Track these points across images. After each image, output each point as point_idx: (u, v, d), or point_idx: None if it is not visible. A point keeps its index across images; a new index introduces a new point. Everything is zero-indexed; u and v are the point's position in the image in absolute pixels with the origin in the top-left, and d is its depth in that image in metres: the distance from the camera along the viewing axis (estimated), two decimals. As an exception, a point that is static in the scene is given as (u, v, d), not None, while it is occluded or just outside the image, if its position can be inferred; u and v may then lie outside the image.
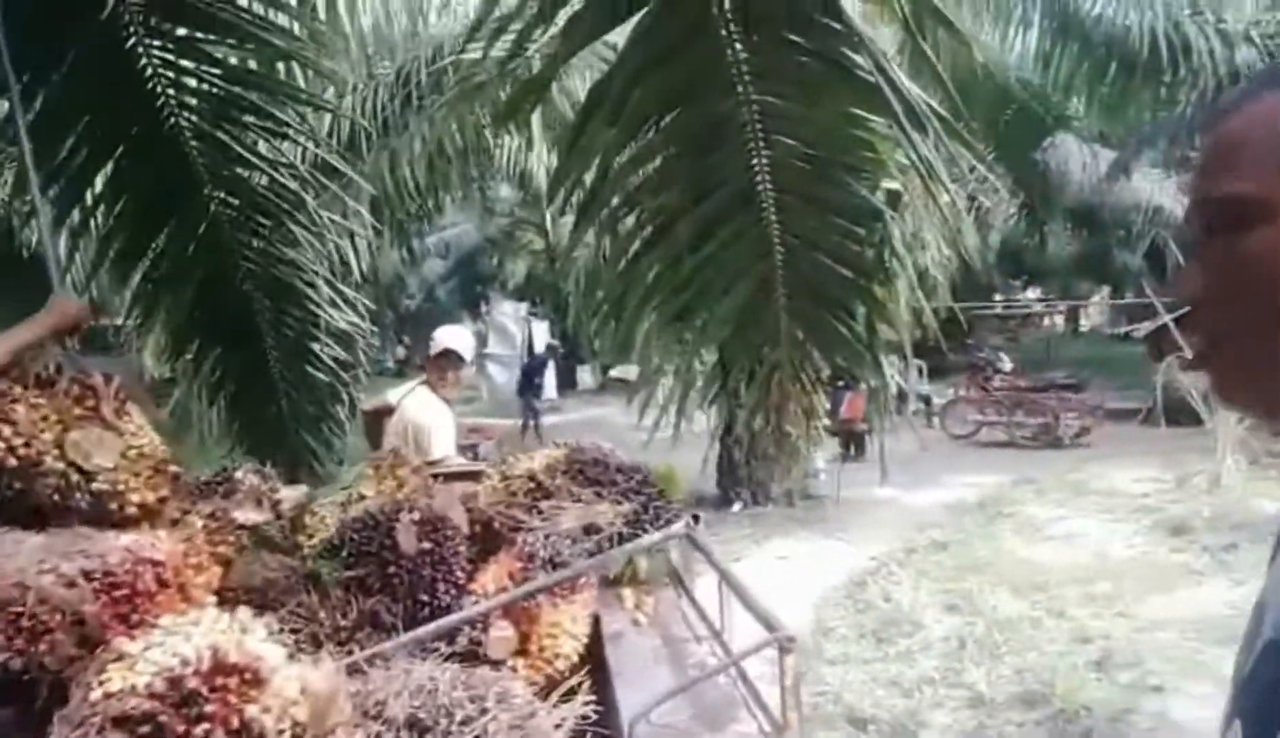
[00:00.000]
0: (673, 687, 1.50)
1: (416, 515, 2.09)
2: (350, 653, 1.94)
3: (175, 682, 1.33)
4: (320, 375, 3.92)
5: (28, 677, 1.58)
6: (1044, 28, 8.40)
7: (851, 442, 10.15)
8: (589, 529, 2.15)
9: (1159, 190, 12.84)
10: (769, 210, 2.51)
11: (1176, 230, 12.66)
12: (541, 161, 11.10)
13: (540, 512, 2.14)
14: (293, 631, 1.96)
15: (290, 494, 2.36)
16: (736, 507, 9.60)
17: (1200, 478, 8.40)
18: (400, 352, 25.16)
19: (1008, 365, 14.25)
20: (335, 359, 3.90)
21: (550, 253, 19.42)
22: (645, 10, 2.30)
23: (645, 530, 2.23)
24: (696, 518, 1.86)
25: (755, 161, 2.44)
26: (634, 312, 2.60)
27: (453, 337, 4.55)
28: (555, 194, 2.46)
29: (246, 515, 2.20)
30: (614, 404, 15.33)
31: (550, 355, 18.41)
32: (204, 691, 1.29)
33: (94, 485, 1.94)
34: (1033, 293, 24.46)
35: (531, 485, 2.21)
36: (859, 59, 2.09)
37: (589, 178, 2.56)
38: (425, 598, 2.05)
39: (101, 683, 1.34)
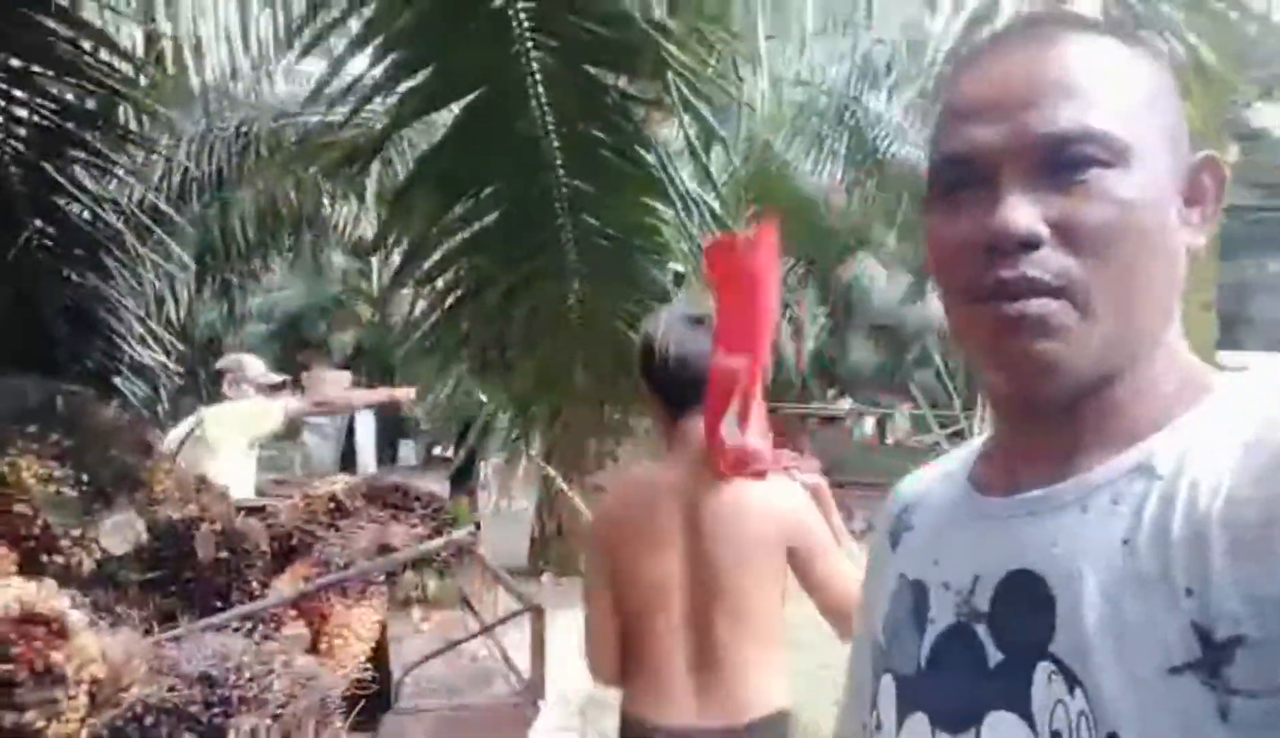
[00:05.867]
0: (437, 649, 1.73)
1: (217, 526, 2.24)
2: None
3: (-18, 630, 1.46)
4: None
5: None
6: (850, 159, 9.36)
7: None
8: (383, 548, 2.36)
9: (948, 313, 14.22)
10: (574, 279, 2.85)
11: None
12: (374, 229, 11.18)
13: (338, 529, 2.33)
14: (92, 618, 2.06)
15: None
16: (545, 578, 9.82)
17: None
18: (210, 415, 23.95)
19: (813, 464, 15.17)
20: (135, 394, 3.95)
21: (383, 323, 19.23)
22: (474, 95, 2.63)
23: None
24: (478, 526, 2.11)
25: (564, 236, 2.79)
26: (443, 361, 2.87)
27: (255, 363, 4.65)
28: (379, 248, 2.70)
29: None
30: (436, 482, 15.20)
31: None
32: (13, 635, 1.43)
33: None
34: (845, 402, 25.75)
35: (332, 506, 2.41)
36: (648, 157, 2.49)
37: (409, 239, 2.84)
38: (219, 605, 2.19)
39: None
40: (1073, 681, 0.58)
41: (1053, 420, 0.66)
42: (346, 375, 22.33)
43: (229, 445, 4.12)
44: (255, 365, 4.60)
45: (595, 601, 1.83)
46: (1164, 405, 0.63)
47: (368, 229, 11.33)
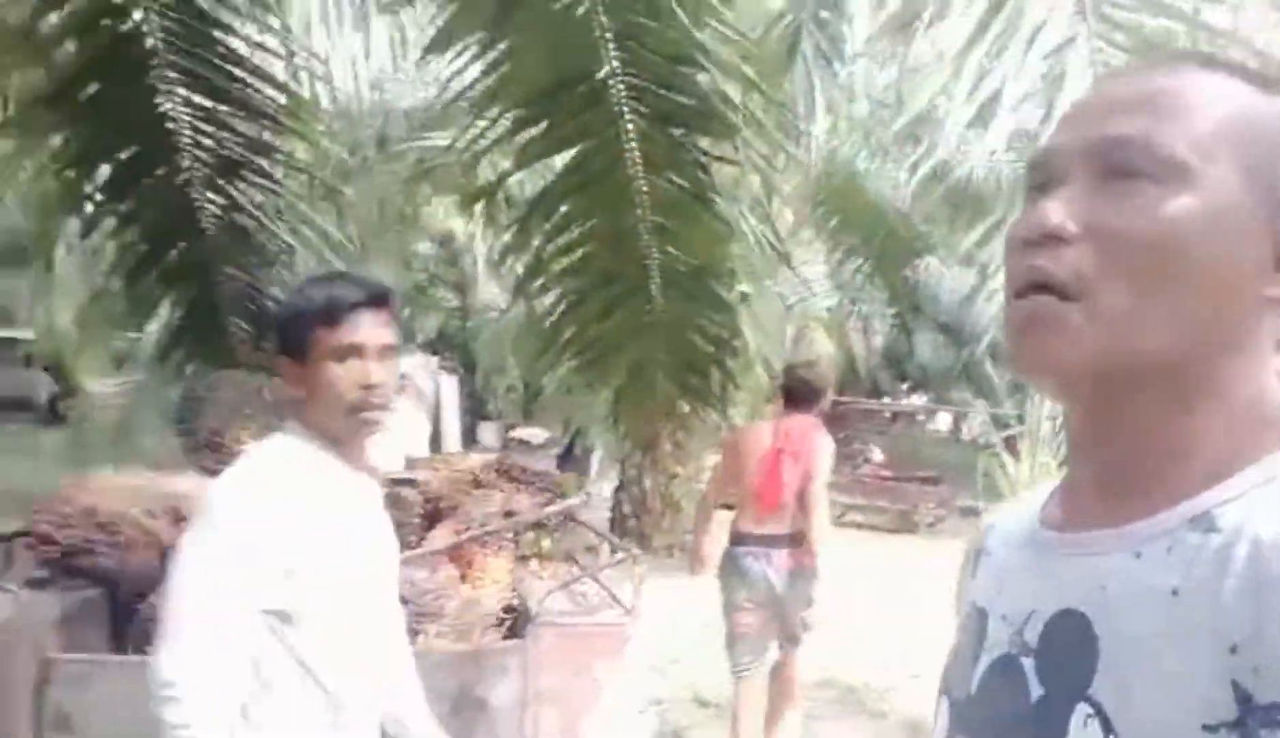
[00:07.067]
0: (563, 581, 2.35)
1: (382, 491, 2.90)
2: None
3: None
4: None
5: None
6: (914, 169, 9.77)
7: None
8: (509, 512, 3.00)
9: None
10: (656, 296, 3.46)
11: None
12: (475, 230, 11.98)
13: (474, 496, 2.98)
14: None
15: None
16: (619, 554, 10.41)
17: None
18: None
19: (878, 457, 15.47)
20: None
21: (464, 311, 20.01)
22: (579, 148, 3.25)
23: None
24: (589, 495, 2.72)
25: (649, 261, 3.40)
26: (548, 362, 3.50)
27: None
28: (500, 267, 3.32)
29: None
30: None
31: None
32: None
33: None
34: (918, 398, 25.54)
35: (470, 478, 3.06)
36: (719, 201, 3.09)
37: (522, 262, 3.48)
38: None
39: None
40: (1108, 726, 0.58)
41: (1104, 455, 0.66)
42: (433, 362, 23.21)
43: None
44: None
45: (720, 473, 3.76)
46: (1229, 457, 0.61)
47: (459, 227, 12.08)
